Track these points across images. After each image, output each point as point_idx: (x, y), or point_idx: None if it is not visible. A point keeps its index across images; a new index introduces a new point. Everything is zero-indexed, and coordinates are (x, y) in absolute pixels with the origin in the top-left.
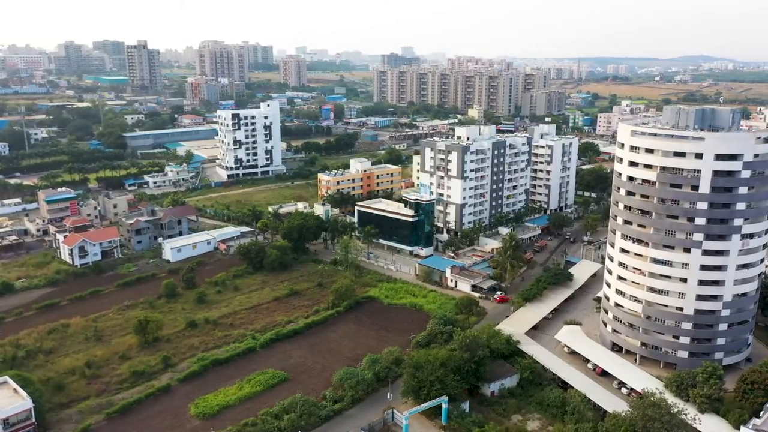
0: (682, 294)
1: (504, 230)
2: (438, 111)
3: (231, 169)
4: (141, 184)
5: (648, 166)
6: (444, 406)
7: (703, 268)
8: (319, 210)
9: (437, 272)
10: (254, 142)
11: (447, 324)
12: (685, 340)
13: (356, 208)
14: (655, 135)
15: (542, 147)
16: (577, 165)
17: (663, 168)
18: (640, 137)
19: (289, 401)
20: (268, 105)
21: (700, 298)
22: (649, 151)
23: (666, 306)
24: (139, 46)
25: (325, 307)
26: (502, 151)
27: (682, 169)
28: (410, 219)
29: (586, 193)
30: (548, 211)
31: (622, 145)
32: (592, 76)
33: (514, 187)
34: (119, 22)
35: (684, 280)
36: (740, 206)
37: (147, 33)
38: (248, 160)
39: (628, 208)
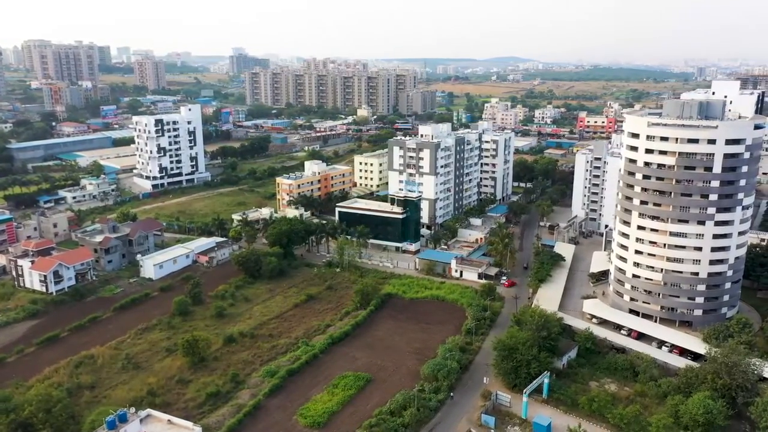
0: (697, 261)
1: (476, 221)
2: (325, 112)
3: (155, 178)
4: (57, 200)
5: (663, 152)
6: (545, 381)
7: (715, 237)
8: (293, 214)
9: (440, 264)
10: (178, 149)
11: (485, 310)
12: (700, 300)
13: (337, 209)
14: (669, 125)
15: (488, 142)
16: None
17: (680, 153)
18: (655, 127)
19: (401, 398)
20: (190, 109)
21: (712, 262)
22: (664, 139)
23: (681, 272)
24: None
25: (354, 307)
26: (462, 147)
27: (696, 153)
28: (400, 216)
29: (514, 183)
30: (495, 202)
31: (636, 135)
32: (430, 76)
33: (470, 181)
34: None
35: (699, 249)
36: (742, 182)
37: None
38: (172, 168)
39: (644, 190)
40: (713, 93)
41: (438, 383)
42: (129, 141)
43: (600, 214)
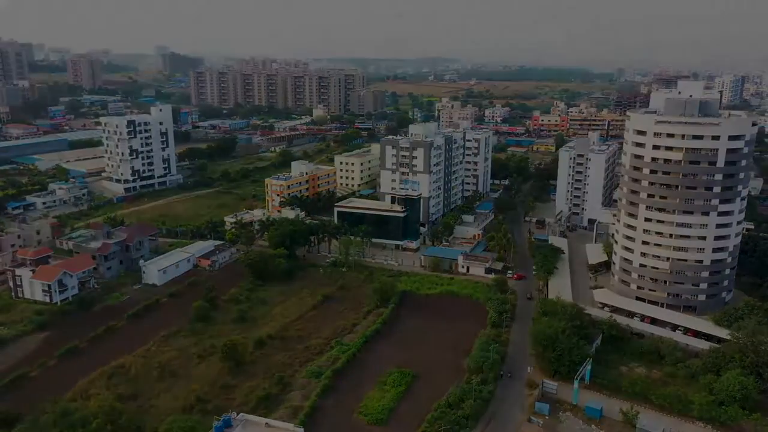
0: (701, 249)
1: (468, 218)
2: (278, 112)
3: (127, 181)
4: (27, 206)
5: (669, 148)
6: (588, 367)
7: (718, 226)
8: (291, 214)
9: (446, 261)
10: (150, 151)
11: (505, 303)
12: (704, 286)
13: (336, 209)
14: (675, 123)
15: (470, 140)
16: None
17: (686, 149)
18: (662, 125)
19: (459, 390)
20: (161, 110)
21: (715, 250)
22: (670, 135)
23: (686, 261)
24: None
25: (374, 306)
26: (450, 146)
27: (701, 149)
28: (401, 214)
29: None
30: (480, 199)
31: (642, 132)
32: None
33: (456, 179)
34: None
35: (703, 238)
36: (741, 175)
37: None
38: (144, 171)
39: (651, 184)
40: (679, 92)
41: (484, 375)
42: (87, 143)
43: (583, 209)
